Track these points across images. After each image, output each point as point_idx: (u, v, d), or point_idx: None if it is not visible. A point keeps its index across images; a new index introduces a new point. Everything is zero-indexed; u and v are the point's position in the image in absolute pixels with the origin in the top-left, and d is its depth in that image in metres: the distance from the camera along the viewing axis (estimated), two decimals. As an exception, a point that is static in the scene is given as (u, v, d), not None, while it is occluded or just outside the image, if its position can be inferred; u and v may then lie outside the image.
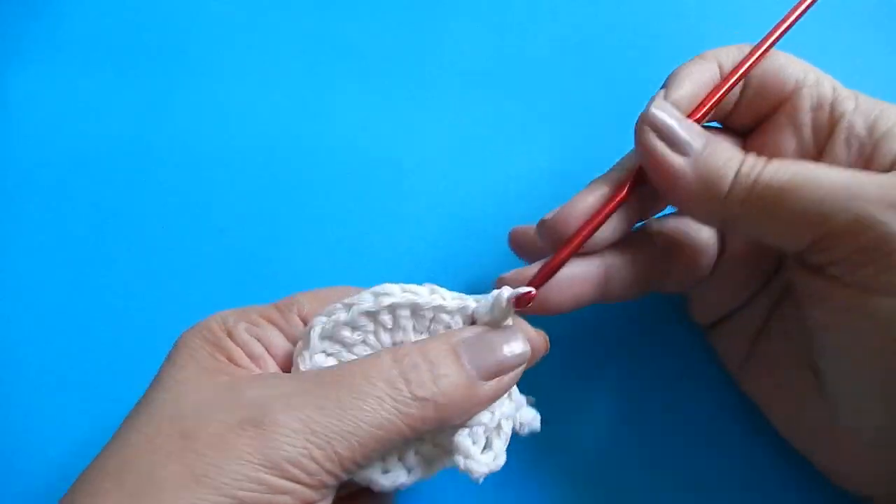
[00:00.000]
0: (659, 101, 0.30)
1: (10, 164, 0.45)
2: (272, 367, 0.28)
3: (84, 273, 0.42)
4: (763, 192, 0.27)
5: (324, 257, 0.42)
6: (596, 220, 0.30)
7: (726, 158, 0.28)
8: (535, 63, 0.46)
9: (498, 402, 0.28)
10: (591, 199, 0.31)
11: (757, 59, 0.32)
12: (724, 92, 0.31)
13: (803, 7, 0.33)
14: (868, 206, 0.25)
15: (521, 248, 0.36)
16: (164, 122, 0.45)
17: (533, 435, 0.31)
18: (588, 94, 0.45)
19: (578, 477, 0.36)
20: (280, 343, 0.29)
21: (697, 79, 0.32)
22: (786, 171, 0.27)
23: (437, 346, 0.26)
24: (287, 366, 0.29)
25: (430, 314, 0.28)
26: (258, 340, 0.28)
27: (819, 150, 0.32)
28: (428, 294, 0.28)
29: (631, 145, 0.31)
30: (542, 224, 0.31)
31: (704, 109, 0.31)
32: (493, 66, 0.46)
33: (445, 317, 0.28)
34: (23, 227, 0.43)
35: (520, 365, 0.28)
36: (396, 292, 0.28)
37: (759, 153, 0.29)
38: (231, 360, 0.27)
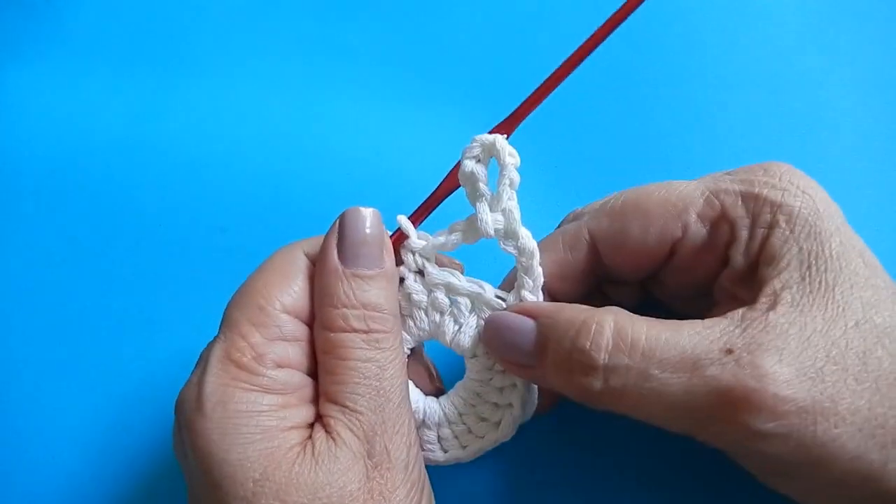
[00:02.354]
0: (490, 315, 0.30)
1: (9, 164, 0.45)
2: (308, 381, 0.28)
3: (83, 272, 0.42)
4: (615, 400, 0.26)
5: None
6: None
7: (561, 355, 0.27)
8: (536, 66, 0.46)
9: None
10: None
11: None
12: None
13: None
14: (728, 424, 0.25)
15: None
16: (163, 122, 0.45)
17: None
18: (586, 99, 0.45)
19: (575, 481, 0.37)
20: (293, 353, 0.28)
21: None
22: (636, 381, 0.25)
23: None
24: (306, 367, 0.28)
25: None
26: (285, 367, 0.28)
27: (708, 285, 0.30)
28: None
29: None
30: None
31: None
32: (495, 70, 0.46)
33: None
34: (22, 226, 0.43)
35: None
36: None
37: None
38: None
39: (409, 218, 0.31)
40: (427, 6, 0.48)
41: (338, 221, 0.29)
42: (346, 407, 0.26)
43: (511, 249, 0.30)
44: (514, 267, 0.32)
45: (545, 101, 0.45)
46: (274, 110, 0.45)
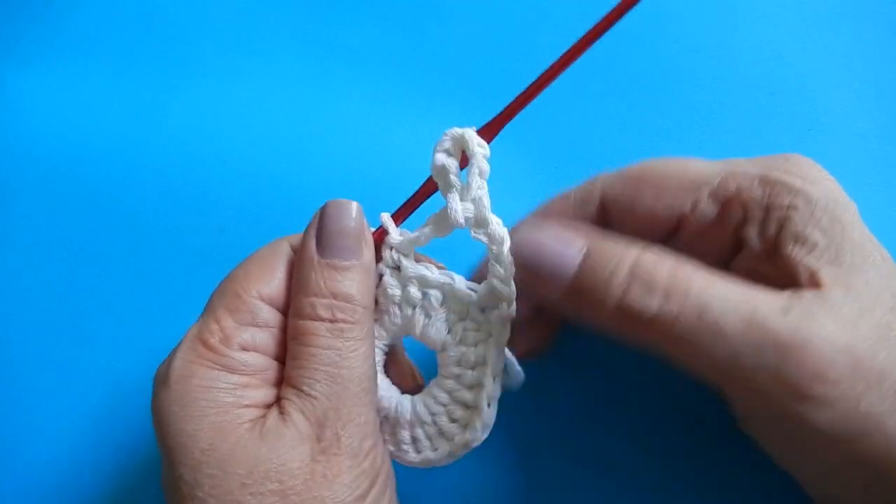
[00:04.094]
0: (524, 224, 0.29)
1: (8, 164, 0.45)
2: (273, 365, 0.29)
3: (82, 272, 0.42)
4: (662, 330, 0.26)
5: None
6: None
7: (608, 274, 0.27)
8: (537, 67, 0.46)
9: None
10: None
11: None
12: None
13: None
14: (776, 379, 0.24)
15: None
16: (162, 122, 0.45)
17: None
18: (582, 99, 0.45)
19: (575, 474, 0.36)
20: (261, 338, 0.29)
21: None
22: (691, 313, 0.25)
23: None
24: (274, 352, 0.29)
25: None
26: (250, 351, 0.28)
27: (724, 264, 0.30)
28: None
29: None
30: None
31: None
32: (496, 69, 0.46)
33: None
34: (22, 226, 0.43)
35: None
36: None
37: None
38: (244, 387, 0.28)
39: (391, 216, 0.32)
40: (427, 6, 0.48)
41: (319, 211, 0.30)
42: (302, 391, 0.27)
43: (482, 237, 0.30)
44: (484, 257, 0.31)
45: (539, 102, 0.45)
46: (273, 110, 0.45)
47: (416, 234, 0.31)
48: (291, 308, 0.29)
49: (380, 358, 0.32)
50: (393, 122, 0.45)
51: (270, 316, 0.29)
